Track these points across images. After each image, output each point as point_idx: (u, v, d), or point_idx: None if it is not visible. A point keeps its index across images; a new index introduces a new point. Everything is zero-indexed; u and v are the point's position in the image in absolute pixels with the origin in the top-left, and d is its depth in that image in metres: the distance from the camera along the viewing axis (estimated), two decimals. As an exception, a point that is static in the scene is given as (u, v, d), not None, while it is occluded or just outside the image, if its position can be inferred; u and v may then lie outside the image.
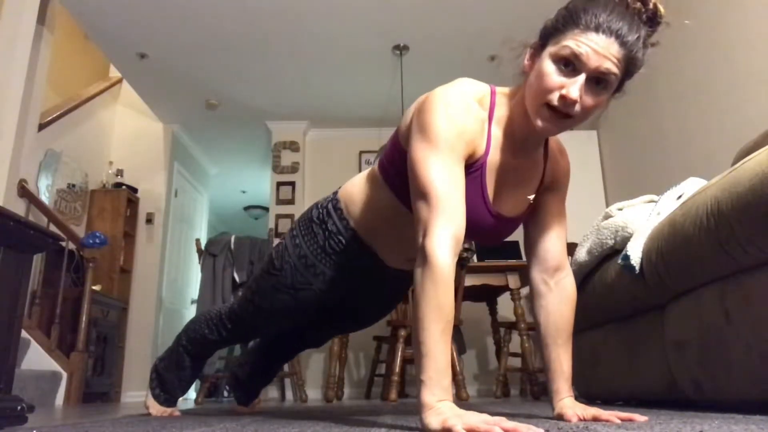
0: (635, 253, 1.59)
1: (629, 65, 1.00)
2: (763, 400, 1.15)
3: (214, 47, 4.36)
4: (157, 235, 5.44)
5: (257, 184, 7.21)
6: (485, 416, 0.81)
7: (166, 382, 1.75)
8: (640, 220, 1.73)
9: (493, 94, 1.14)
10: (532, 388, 3.29)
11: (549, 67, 1.01)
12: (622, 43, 0.98)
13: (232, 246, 3.61)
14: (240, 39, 4.26)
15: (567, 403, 1.15)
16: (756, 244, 1.11)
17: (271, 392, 4.95)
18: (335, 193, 1.41)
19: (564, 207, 1.27)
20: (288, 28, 4.14)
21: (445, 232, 0.94)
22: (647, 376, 1.67)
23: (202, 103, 5.23)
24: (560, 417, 1.13)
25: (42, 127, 4.15)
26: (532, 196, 1.22)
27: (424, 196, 0.98)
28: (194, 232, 6.32)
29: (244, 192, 7.67)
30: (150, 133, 5.62)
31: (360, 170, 5.64)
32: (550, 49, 1.02)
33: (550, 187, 1.25)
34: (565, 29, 1.01)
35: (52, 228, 3.67)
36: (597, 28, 0.97)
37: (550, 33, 1.04)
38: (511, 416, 0.91)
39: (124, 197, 5.14)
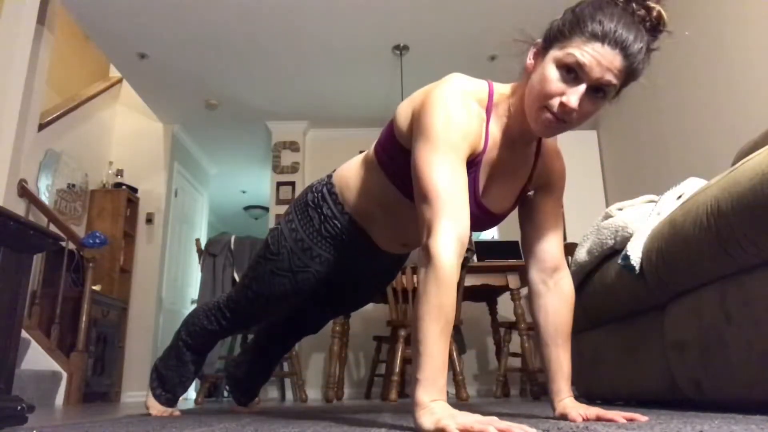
0: (635, 253, 1.59)
1: (629, 76, 1.02)
2: (763, 400, 1.15)
3: (215, 47, 4.36)
4: (157, 235, 5.44)
5: (257, 184, 7.21)
6: (478, 416, 0.81)
7: (167, 380, 1.75)
8: (640, 220, 1.73)
9: (490, 92, 1.14)
10: (532, 388, 3.29)
11: (552, 73, 1.02)
12: (626, 56, 0.98)
13: (232, 246, 3.60)
14: (240, 39, 4.27)
15: (569, 403, 1.15)
16: (756, 244, 1.11)
17: (271, 392, 4.95)
18: (329, 176, 1.42)
19: (560, 208, 1.29)
20: (288, 28, 4.15)
21: (449, 232, 0.94)
22: (647, 376, 1.67)
23: (202, 103, 5.23)
24: (563, 417, 1.13)
25: (42, 127, 4.15)
26: (531, 193, 1.25)
27: (428, 198, 0.98)
28: (194, 232, 6.32)
29: (244, 192, 7.68)
30: (150, 133, 5.63)
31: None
32: (554, 53, 1.03)
33: (545, 188, 1.26)
34: (570, 35, 1.01)
35: (52, 228, 3.67)
36: (603, 39, 0.98)
37: (556, 36, 1.04)
38: (511, 416, 0.91)
39: (124, 197, 5.15)
